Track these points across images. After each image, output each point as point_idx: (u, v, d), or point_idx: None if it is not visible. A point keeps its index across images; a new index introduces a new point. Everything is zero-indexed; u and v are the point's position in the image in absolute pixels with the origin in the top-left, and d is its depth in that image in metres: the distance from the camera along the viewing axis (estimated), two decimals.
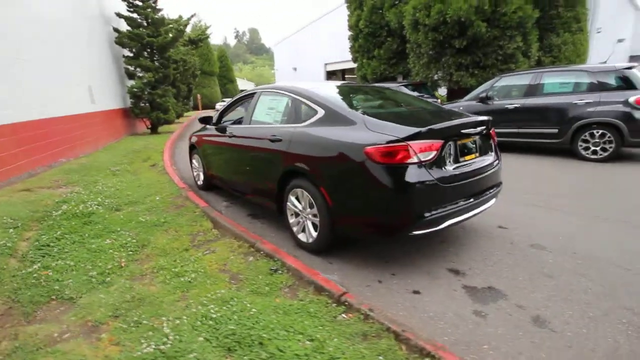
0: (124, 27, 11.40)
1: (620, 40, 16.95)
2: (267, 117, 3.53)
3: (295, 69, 28.64)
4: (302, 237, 3.06)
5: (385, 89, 3.82)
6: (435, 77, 11.06)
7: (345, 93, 3.26)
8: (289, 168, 2.98)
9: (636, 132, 5.35)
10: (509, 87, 6.88)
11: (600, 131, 5.63)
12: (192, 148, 5.33)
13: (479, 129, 2.69)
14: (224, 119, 4.68)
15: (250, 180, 3.71)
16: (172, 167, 6.62)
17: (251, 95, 4.06)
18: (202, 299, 2.23)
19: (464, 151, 2.62)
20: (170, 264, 2.80)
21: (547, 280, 2.43)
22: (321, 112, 2.85)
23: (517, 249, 2.91)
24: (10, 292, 2.25)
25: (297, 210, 3.05)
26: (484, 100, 6.98)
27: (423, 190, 2.32)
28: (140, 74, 11.65)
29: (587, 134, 5.79)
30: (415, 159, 2.29)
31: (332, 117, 2.74)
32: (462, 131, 2.56)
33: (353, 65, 22.96)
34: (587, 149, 5.84)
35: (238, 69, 48.26)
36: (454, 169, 2.50)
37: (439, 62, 10.46)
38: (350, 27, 13.58)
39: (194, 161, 5.35)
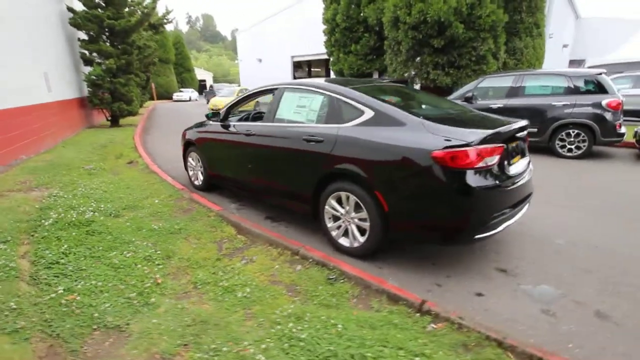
0: (77, 6, 10.15)
1: (565, 46, 18.77)
2: (296, 115, 3.34)
3: (260, 60, 27.79)
4: (343, 241, 2.96)
5: (405, 88, 3.81)
6: (412, 74, 11.37)
7: (379, 93, 3.18)
8: (332, 170, 2.85)
9: (607, 132, 5.96)
10: (492, 88, 7.27)
11: (576, 131, 6.18)
12: (188, 145, 4.92)
13: (525, 132, 2.78)
14: (230, 116, 4.38)
15: (274, 181, 3.51)
16: (157, 165, 6.08)
17: (269, 91, 3.82)
18: (273, 317, 2.06)
19: (512, 154, 2.69)
20: (210, 277, 2.55)
21: (588, 275, 2.59)
22: (369, 113, 2.74)
23: (545, 245, 3.08)
24: (42, 325, 1.88)
25: (338, 214, 2.94)
26: (469, 99, 7.30)
27: (489, 194, 2.34)
28: (99, 60, 10.49)
29: (563, 133, 6.32)
30: (482, 163, 2.30)
31: (384, 119, 2.66)
32: (516, 135, 2.63)
33: (320, 57, 22.84)
34: (563, 147, 6.38)
35: (193, 57, 45.63)
36: (510, 172, 2.56)
37: (417, 60, 10.76)
38: (326, 21, 13.43)
39: (189, 159, 4.94)
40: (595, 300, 2.31)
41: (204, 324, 1.99)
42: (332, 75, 15.40)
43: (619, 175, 5.25)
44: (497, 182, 2.39)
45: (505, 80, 7.06)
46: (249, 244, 3.16)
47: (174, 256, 2.88)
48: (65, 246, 2.82)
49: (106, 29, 10.04)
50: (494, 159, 2.37)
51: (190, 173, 5.02)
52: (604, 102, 5.95)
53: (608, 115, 5.93)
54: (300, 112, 3.31)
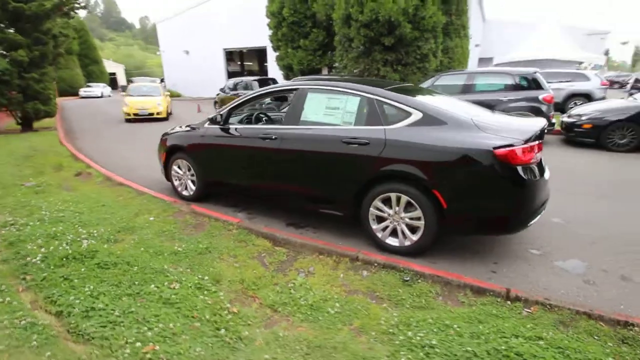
0: None
1: (477, 45, 21.41)
2: (327, 117, 3.23)
3: (187, 52, 25.66)
4: (391, 241, 3.00)
5: (416, 87, 3.97)
6: (361, 70, 11.77)
7: (410, 93, 3.26)
8: (380, 173, 2.86)
9: None
10: (447, 85, 7.97)
11: None
12: (172, 152, 4.38)
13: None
14: (231, 119, 4.02)
15: (302, 186, 3.36)
16: (119, 176, 5.26)
17: (287, 91, 3.62)
18: (382, 328, 2.02)
19: None
20: (282, 297, 2.36)
21: (601, 248, 3.07)
22: (417, 114, 2.81)
23: (551, 224, 3.55)
24: None
25: (384, 215, 2.97)
26: None
27: (537, 185, 2.62)
28: (2, 52, 8.53)
29: None
30: (534, 159, 2.57)
31: (434, 120, 2.75)
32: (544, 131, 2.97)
33: (254, 48, 22.07)
34: None
35: (98, 47, 39.68)
36: (542, 164, 2.89)
37: (368, 57, 11.17)
38: (271, 14, 13.02)
39: (175, 168, 4.41)
40: (616, 267, 2.75)
41: (321, 349, 1.85)
42: (278, 69, 15.02)
43: (556, 157, 6.28)
44: (540, 175, 2.68)
45: (459, 78, 7.82)
46: (293, 256, 2.99)
47: (222, 280, 2.57)
48: (87, 287, 2.30)
49: (13, 14, 8.16)
50: (539, 155, 2.65)
51: (176, 183, 4.48)
52: (540, 97, 7.02)
53: (544, 108, 7.02)
54: (333, 114, 3.21)
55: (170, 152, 4.42)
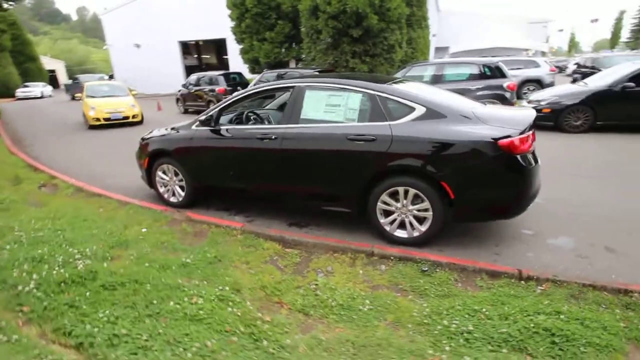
0: None
1: (434, 35, 22.25)
2: (328, 115, 3.21)
3: (138, 45, 23.98)
4: (400, 233, 3.09)
5: (411, 80, 4.04)
6: (330, 62, 11.77)
7: (410, 87, 3.31)
8: (388, 168, 2.91)
9: None
10: (418, 76, 8.23)
11: None
12: (155, 157, 4.13)
13: None
14: (222, 120, 3.85)
15: (305, 185, 3.34)
16: (93, 185, 4.86)
17: (281, 89, 3.54)
18: (416, 319, 2.09)
19: None
20: (309, 300, 2.35)
21: (581, 224, 3.36)
22: (420, 109, 2.89)
23: (534, 204, 3.84)
24: None
25: (391, 209, 3.04)
26: None
27: (534, 171, 2.82)
28: None
29: None
30: (532, 147, 2.76)
31: (436, 113, 2.84)
32: None
33: (212, 40, 21.16)
34: None
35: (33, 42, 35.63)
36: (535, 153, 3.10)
37: (337, 49, 11.18)
38: (233, 5, 12.50)
39: (159, 174, 4.16)
40: (600, 241, 3.04)
41: (366, 348, 1.88)
42: (242, 62, 14.51)
43: None
44: (535, 162, 2.88)
45: (429, 69, 8.11)
46: (307, 256, 2.97)
47: (242, 288, 2.50)
48: (101, 313, 2.12)
49: None
50: (534, 143, 2.85)
51: (162, 190, 4.24)
52: (504, 85, 7.49)
53: (508, 95, 7.51)
54: (335, 111, 3.20)
55: (153, 158, 4.16)
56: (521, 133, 2.68)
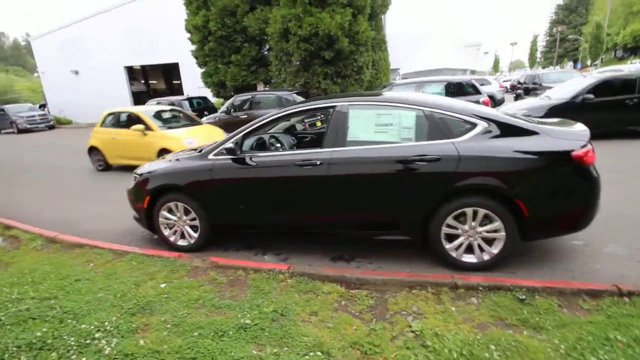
0: None
1: None
2: (381, 135, 2.94)
3: (76, 71, 21.85)
4: (468, 258, 2.86)
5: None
6: (301, 84, 11.67)
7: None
8: (457, 188, 2.70)
9: None
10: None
11: None
12: (158, 194, 3.49)
13: None
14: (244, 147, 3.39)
15: (361, 214, 3.00)
16: (69, 234, 3.98)
17: (322, 109, 3.20)
18: (555, 357, 1.82)
19: None
20: (422, 355, 1.97)
21: (613, 228, 3.43)
22: (482, 124, 2.75)
23: None
24: None
25: (458, 232, 2.82)
26: None
27: (600, 182, 2.78)
28: None
29: None
30: (595, 159, 2.74)
31: (502, 128, 2.72)
32: None
33: (163, 65, 20.11)
34: None
35: None
36: None
37: (308, 71, 11.12)
38: (195, 28, 11.92)
39: (164, 213, 3.52)
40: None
41: None
42: (204, 85, 13.76)
43: None
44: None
45: (409, 87, 8.33)
46: (380, 297, 2.58)
47: (331, 349, 2.04)
48: None
49: None
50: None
51: (167, 232, 3.58)
52: (480, 100, 7.92)
53: None
54: (387, 130, 2.93)
55: (154, 195, 3.50)
56: (585, 145, 2.65)
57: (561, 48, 44.03)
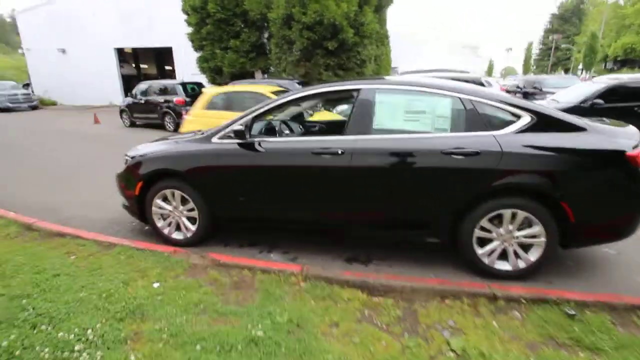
0: None
1: None
2: (412, 124, 2.62)
3: (63, 50, 20.80)
4: (501, 265, 2.58)
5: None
6: (302, 75, 11.27)
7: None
8: (496, 187, 2.40)
9: None
10: None
11: None
12: (153, 181, 3.10)
13: None
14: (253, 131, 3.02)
15: (385, 211, 2.67)
16: (46, 221, 3.54)
17: (344, 92, 2.85)
18: None
19: None
20: None
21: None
22: (526, 117, 2.45)
23: None
24: None
25: (491, 236, 2.54)
26: None
27: None
28: None
29: None
30: None
31: (547, 123, 2.44)
32: None
33: (155, 48, 19.29)
34: None
35: None
36: None
37: (310, 61, 10.72)
38: (192, 9, 11.33)
39: (159, 202, 3.13)
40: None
41: None
42: (199, 71, 13.17)
43: None
44: None
45: None
46: (407, 307, 2.27)
47: None
48: None
49: None
50: None
51: (160, 223, 3.20)
52: None
53: None
54: (419, 119, 2.62)
55: (148, 181, 3.11)
56: (637, 146, 2.39)
57: (554, 57, 44.58)
